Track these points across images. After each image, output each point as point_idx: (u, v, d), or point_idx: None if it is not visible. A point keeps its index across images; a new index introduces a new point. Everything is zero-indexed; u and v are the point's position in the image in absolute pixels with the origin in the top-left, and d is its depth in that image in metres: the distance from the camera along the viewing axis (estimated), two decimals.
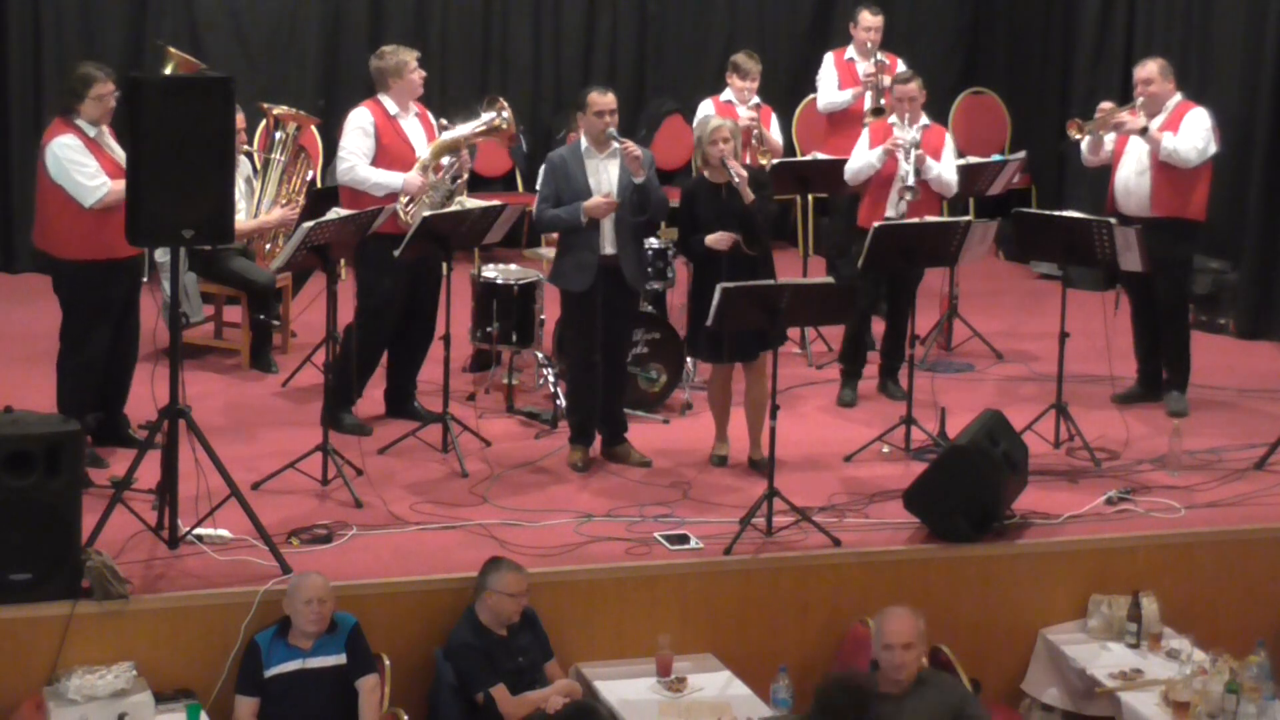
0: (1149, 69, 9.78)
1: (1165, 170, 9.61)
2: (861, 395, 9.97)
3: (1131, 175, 9.76)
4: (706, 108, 11.12)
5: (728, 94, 11.13)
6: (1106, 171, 12.43)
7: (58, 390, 8.43)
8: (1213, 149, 9.69)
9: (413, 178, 9.03)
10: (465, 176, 9.34)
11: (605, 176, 8.60)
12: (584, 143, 8.66)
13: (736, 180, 8.54)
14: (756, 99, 11.09)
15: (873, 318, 10.25)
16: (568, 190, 8.58)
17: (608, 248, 8.57)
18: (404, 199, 9.03)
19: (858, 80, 11.36)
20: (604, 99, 8.60)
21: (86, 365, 8.42)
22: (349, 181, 9.04)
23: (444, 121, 9.37)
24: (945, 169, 9.91)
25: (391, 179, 9.00)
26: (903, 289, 9.71)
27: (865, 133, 9.98)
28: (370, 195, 8.96)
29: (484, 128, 9.28)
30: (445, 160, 9.18)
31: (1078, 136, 9.91)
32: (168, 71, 9.66)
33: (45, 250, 8.52)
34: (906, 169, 9.70)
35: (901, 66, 11.45)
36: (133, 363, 8.69)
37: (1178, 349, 9.89)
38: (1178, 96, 9.77)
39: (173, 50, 9.92)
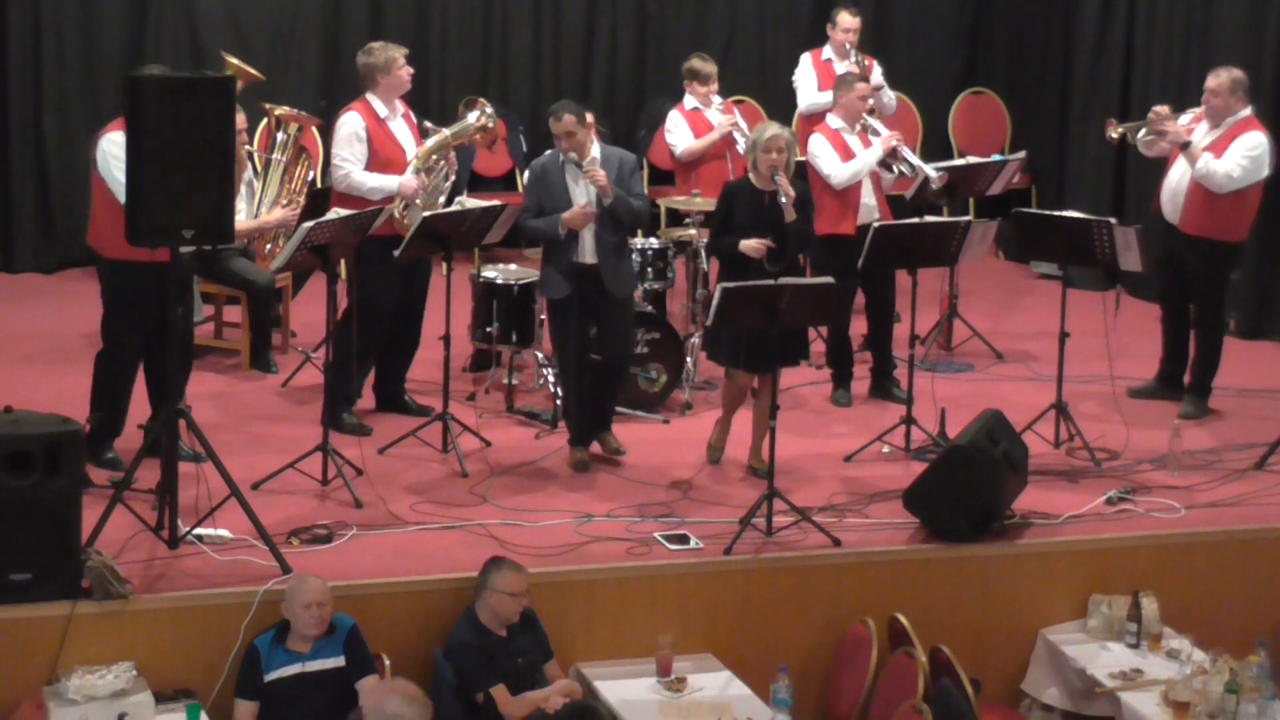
0: (1220, 80, 9.60)
1: (1201, 190, 9.53)
2: (857, 396, 9.98)
3: (1174, 184, 9.71)
4: (675, 120, 11.09)
5: (691, 101, 11.09)
6: (1108, 173, 12.46)
7: (92, 383, 8.44)
8: (1263, 174, 9.56)
9: (408, 180, 9.05)
10: (453, 178, 9.35)
11: (584, 187, 8.55)
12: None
13: (784, 200, 8.50)
14: (719, 99, 11.08)
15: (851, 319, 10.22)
16: (550, 201, 8.55)
17: (587, 258, 8.53)
18: (399, 202, 9.05)
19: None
20: (558, 124, 8.46)
21: (121, 366, 8.40)
22: (345, 188, 9.04)
23: (429, 124, 9.37)
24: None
25: (388, 182, 9.02)
26: (877, 293, 9.72)
27: (824, 140, 9.79)
28: (366, 200, 8.96)
29: (471, 128, 9.30)
30: (436, 162, 9.19)
31: (1114, 135, 9.87)
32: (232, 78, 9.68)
33: (94, 247, 8.46)
34: (914, 163, 9.71)
35: (878, 68, 11.44)
36: (188, 362, 8.60)
37: (1207, 357, 9.84)
38: (1245, 112, 9.63)
39: (231, 60, 9.95)
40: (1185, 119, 9.78)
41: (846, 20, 11.49)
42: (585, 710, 7.15)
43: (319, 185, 11.15)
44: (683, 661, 7.54)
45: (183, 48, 12.43)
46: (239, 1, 12.76)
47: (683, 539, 7.93)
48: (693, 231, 10.42)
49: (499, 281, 9.74)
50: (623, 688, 7.37)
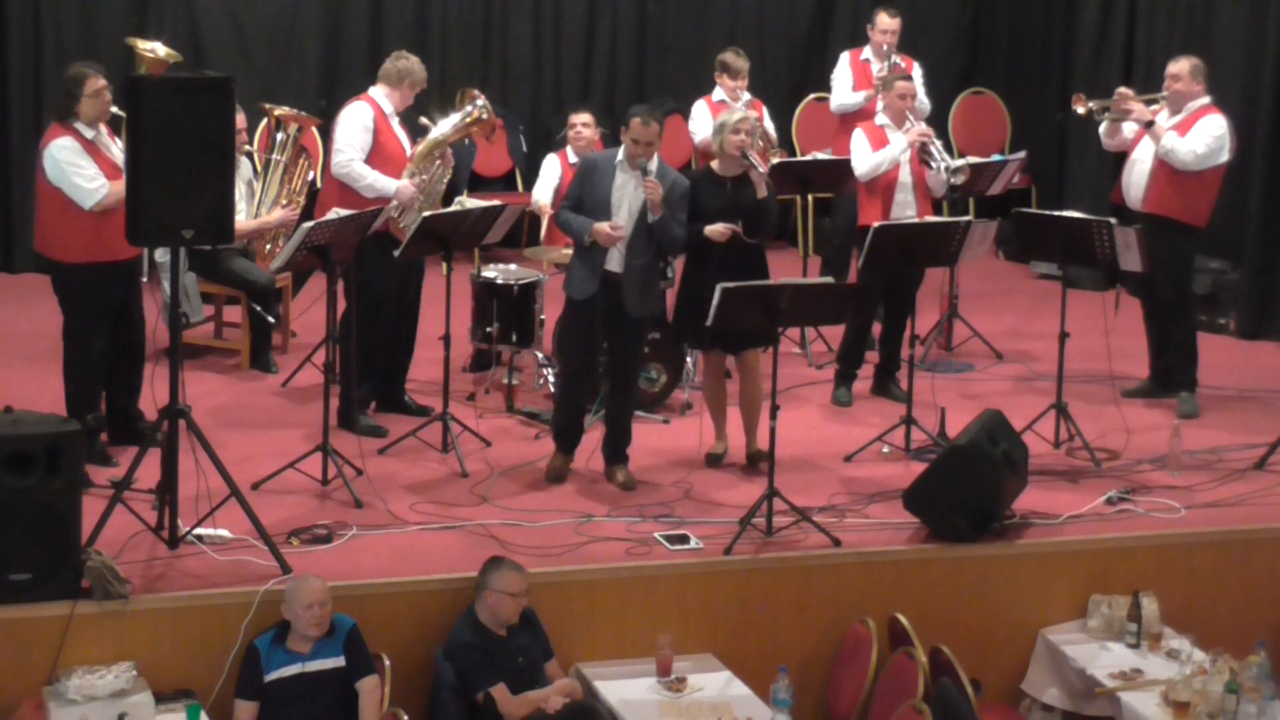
0: (1180, 66, 9.74)
1: (1164, 168, 9.64)
2: (858, 395, 9.98)
3: (1136, 167, 9.79)
4: (700, 109, 11.16)
5: (719, 94, 11.14)
6: (1108, 173, 12.46)
7: (65, 393, 8.47)
8: (1224, 157, 9.65)
9: (405, 186, 9.05)
10: (448, 176, 9.36)
11: (628, 193, 8.35)
12: (620, 154, 8.40)
13: (761, 170, 8.52)
14: (747, 95, 11.10)
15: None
16: (591, 197, 8.38)
17: (614, 266, 8.37)
18: (396, 204, 9.02)
19: (872, 82, 11.36)
20: (646, 130, 8.24)
21: (89, 366, 8.44)
22: (344, 175, 9.03)
23: (424, 120, 9.37)
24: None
25: (386, 184, 9.00)
26: (902, 292, 9.72)
27: (861, 134, 9.89)
28: (358, 195, 8.95)
29: (466, 122, 9.31)
30: (432, 163, 9.20)
31: (1080, 110, 9.97)
32: (141, 72, 9.66)
33: (43, 254, 8.53)
34: (942, 160, 9.73)
35: (918, 69, 11.43)
36: (140, 361, 8.69)
37: (1182, 348, 9.88)
38: (1204, 100, 9.73)
39: (139, 44, 9.89)
40: (1150, 112, 9.85)
41: (885, 21, 11.48)
42: (585, 710, 7.15)
43: (319, 185, 11.15)
44: (683, 661, 7.54)
45: (183, 48, 12.37)
46: (239, 1, 12.77)
47: (683, 539, 7.92)
48: None
49: (499, 281, 9.74)
50: (623, 688, 7.36)
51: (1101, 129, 10.01)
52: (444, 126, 9.30)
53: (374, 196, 8.96)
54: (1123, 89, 9.95)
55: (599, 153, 8.75)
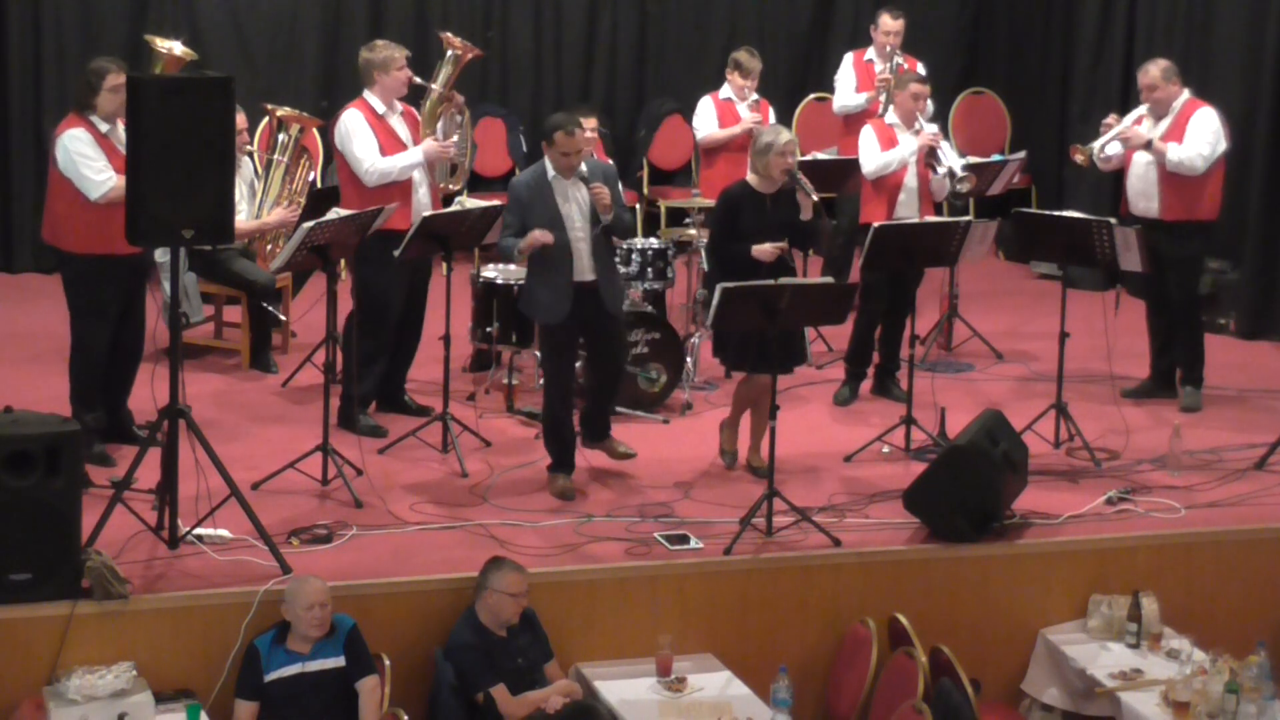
0: (1151, 74, 9.76)
1: (1173, 175, 9.63)
2: (860, 395, 9.98)
3: (1141, 180, 9.78)
4: (705, 105, 11.16)
5: (726, 91, 11.15)
6: (1107, 173, 12.49)
7: (70, 385, 8.48)
8: (1222, 148, 9.70)
9: (430, 145, 9.13)
10: (468, 114, 9.53)
11: (575, 201, 8.26)
12: (550, 169, 8.26)
13: (815, 197, 8.50)
14: (755, 96, 11.11)
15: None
16: (540, 219, 8.19)
17: (587, 275, 8.27)
18: (438, 169, 9.21)
19: (875, 83, 11.35)
20: (571, 140, 8.13)
21: (92, 360, 8.45)
22: (379, 180, 8.96)
23: (418, 80, 9.36)
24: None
25: (411, 156, 9.07)
26: (901, 292, 9.71)
27: (870, 131, 9.93)
28: (399, 186, 8.99)
29: (453, 62, 9.44)
30: (445, 111, 9.34)
31: (1080, 159, 9.96)
32: (157, 70, 9.67)
33: (51, 243, 8.55)
34: (950, 162, 9.74)
35: (921, 69, 11.43)
36: (137, 359, 8.72)
37: (1191, 346, 9.92)
38: (1185, 95, 9.77)
39: (159, 44, 9.90)
40: (1128, 120, 9.86)
41: (888, 23, 11.48)
42: (585, 710, 7.16)
43: (319, 186, 11.16)
44: (683, 661, 7.54)
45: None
46: (239, 1, 12.78)
47: (683, 539, 7.93)
48: (692, 231, 10.43)
49: (499, 281, 9.74)
50: (623, 688, 7.37)
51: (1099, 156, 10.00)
52: (437, 81, 9.39)
53: (412, 172, 9.04)
54: (1108, 119, 9.96)
55: (524, 176, 8.44)
